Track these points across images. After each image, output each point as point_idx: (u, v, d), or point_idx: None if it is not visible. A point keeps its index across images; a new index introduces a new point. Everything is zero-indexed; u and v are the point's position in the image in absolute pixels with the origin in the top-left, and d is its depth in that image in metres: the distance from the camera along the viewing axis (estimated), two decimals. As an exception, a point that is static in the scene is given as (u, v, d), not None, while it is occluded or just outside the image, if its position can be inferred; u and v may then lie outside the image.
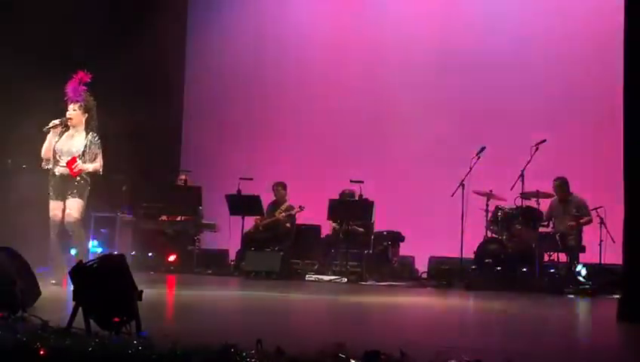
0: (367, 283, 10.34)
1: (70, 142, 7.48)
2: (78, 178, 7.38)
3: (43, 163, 7.53)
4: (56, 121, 7.47)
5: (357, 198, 10.86)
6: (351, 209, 10.93)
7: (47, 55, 10.13)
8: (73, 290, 3.74)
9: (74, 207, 7.36)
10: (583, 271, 9.64)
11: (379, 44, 12.79)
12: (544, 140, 9.96)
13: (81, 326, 3.60)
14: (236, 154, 12.96)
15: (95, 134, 7.52)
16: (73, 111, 7.51)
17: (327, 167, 12.44)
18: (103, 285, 3.69)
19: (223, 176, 12.12)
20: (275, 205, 11.65)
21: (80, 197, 7.40)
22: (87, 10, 11.04)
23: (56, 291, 5.86)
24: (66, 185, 7.40)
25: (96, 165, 7.47)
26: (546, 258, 10.10)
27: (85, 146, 7.44)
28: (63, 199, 7.39)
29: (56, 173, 7.44)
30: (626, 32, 5.80)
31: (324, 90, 12.94)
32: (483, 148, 10.25)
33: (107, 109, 7.81)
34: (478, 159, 10.20)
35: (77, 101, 7.52)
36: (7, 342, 3.23)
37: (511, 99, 11.84)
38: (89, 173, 7.47)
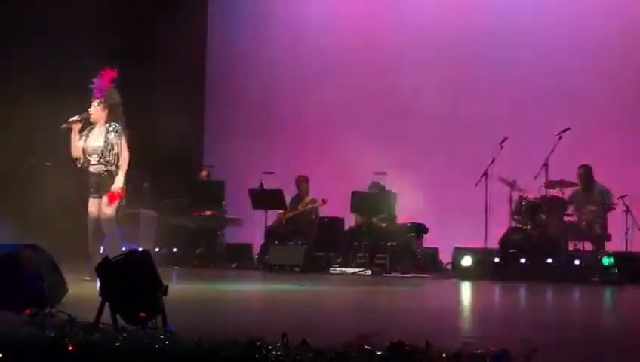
0: (391, 275, 10.32)
1: (94, 140, 7.54)
2: (114, 175, 7.43)
3: (76, 162, 7.61)
4: (75, 118, 7.52)
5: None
6: (374, 201, 10.92)
7: (70, 54, 10.21)
8: (100, 286, 3.77)
9: (108, 204, 7.44)
10: (609, 261, 9.55)
11: (403, 33, 12.71)
12: (568, 129, 9.88)
13: (109, 321, 3.63)
14: (258, 149, 12.96)
15: (115, 124, 7.51)
16: (93, 108, 7.56)
17: (349, 159, 12.40)
18: (129, 281, 3.72)
19: (245, 171, 12.14)
20: (298, 199, 11.66)
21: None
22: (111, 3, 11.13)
23: (85, 287, 5.91)
24: (102, 183, 7.47)
25: (123, 165, 7.48)
26: (571, 247, 10.03)
27: (105, 139, 7.48)
28: (100, 196, 7.47)
29: (91, 171, 7.51)
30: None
31: (346, 81, 12.88)
32: (506, 138, 10.19)
33: (129, 106, 7.84)
34: (501, 149, 10.14)
35: (98, 97, 7.57)
36: (36, 338, 3.26)
37: (534, 87, 11.75)
38: (118, 169, 7.50)
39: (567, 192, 10.24)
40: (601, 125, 11.22)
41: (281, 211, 11.55)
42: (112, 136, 7.48)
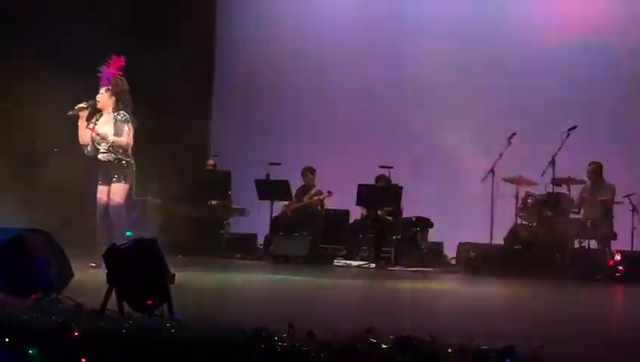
0: (396, 268, 10.32)
1: (101, 127, 7.56)
2: (124, 163, 7.46)
3: (84, 150, 7.63)
4: (82, 104, 7.55)
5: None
6: (380, 194, 10.91)
7: (76, 41, 10.21)
8: (107, 273, 3.78)
9: (117, 191, 7.47)
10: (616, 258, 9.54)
11: (408, 25, 12.66)
12: (575, 126, 9.86)
13: (115, 308, 3.64)
14: (265, 139, 12.95)
15: (124, 113, 7.55)
16: (100, 95, 7.59)
17: (356, 152, 12.40)
18: (136, 268, 3.73)
19: (251, 161, 12.13)
20: (304, 190, 11.66)
21: (125, 181, 7.50)
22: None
23: (91, 274, 5.93)
24: (111, 170, 7.50)
25: (121, 139, 7.49)
26: (577, 244, 10.01)
27: (113, 125, 7.51)
28: (109, 183, 7.49)
29: (101, 159, 7.54)
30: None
31: (354, 73, 12.85)
32: (513, 134, 10.17)
33: (136, 95, 7.85)
34: (509, 145, 10.12)
35: (105, 85, 7.59)
36: (42, 323, 3.27)
37: (542, 84, 11.69)
38: (127, 157, 7.52)
39: (574, 190, 10.21)
40: (609, 123, 11.17)
41: (287, 202, 11.55)
42: (120, 123, 7.50)
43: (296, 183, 11.63)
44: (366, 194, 10.86)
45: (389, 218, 11.05)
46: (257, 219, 11.73)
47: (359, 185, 10.80)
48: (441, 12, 12.48)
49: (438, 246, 11.31)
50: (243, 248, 11.64)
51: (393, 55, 12.67)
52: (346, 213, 11.58)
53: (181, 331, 3.09)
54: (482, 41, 12.12)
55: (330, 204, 11.62)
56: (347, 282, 8.07)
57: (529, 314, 5.69)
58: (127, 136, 7.51)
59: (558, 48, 11.71)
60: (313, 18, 13.35)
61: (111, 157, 7.50)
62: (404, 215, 11.24)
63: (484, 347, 2.88)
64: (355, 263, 10.57)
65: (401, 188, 10.73)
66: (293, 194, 11.52)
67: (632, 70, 10.83)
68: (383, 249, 10.79)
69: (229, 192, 11.93)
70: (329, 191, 11.34)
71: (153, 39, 11.15)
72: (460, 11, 12.34)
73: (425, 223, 11.29)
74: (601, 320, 5.54)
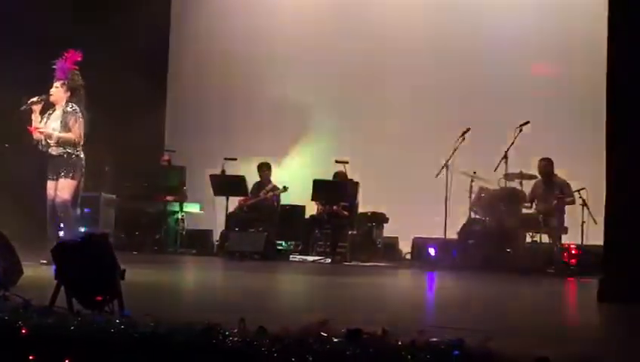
0: (351, 263, 10.37)
1: (53, 121, 7.45)
2: (73, 156, 7.35)
3: (38, 145, 7.51)
4: (35, 98, 7.43)
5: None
6: (335, 190, 10.94)
7: (24, 31, 10.04)
8: (55, 269, 3.73)
9: (64, 187, 7.35)
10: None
11: (368, 25, 12.71)
12: (527, 122, 10.00)
13: (64, 305, 3.59)
14: (220, 135, 12.90)
15: (73, 105, 7.44)
16: (55, 88, 7.48)
17: (312, 148, 12.42)
18: (85, 264, 3.68)
19: (207, 157, 12.08)
20: (260, 185, 11.64)
21: (71, 177, 7.37)
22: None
23: (42, 270, 5.84)
24: (58, 165, 7.38)
25: (68, 135, 7.38)
26: (529, 239, 10.17)
27: (61, 118, 7.40)
28: (56, 179, 7.38)
29: (50, 153, 7.42)
30: (609, 18, 5.82)
31: (307, 70, 12.87)
32: (467, 130, 10.29)
33: (89, 89, 7.75)
34: (462, 140, 10.23)
35: (61, 78, 7.48)
36: (-11, 321, 3.21)
37: (495, 80, 11.84)
38: (77, 151, 7.41)
39: (526, 184, 10.36)
40: (561, 119, 11.37)
41: (243, 198, 11.51)
42: (69, 116, 7.40)
43: (252, 179, 11.60)
44: (321, 190, 10.89)
45: (345, 213, 11.10)
46: (213, 215, 11.68)
47: (314, 181, 10.82)
48: (394, 5, 12.54)
49: (394, 241, 11.40)
50: (198, 244, 11.60)
51: (346, 51, 12.70)
52: (302, 208, 11.59)
53: (131, 327, 3.05)
54: (436, 38, 12.22)
55: (285, 199, 11.62)
56: (302, 277, 8.09)
57: (479, 307, 5.77)
58: (76, 130, 7.39)
59: (511, 45, 11.87)
60: (266, 15, 13.31)
61: (60, 151, 7.38)
62: (360, 210, 11.30)
63: (434, 339, 2.91)
64: (310, 258, 10.60)
65: (357, 183, 10.78)
66: (249, 189, 11.49)
67: (583, 67, 11.01)
68: (339, 244, 10.84)
69: (184, 188, 11.86)
70: (285, 187, 11.34)
71: (106, 35, 10.99)
72: (417, 11, 12.42)
73: (380, 218, 11.37)
74: (549, 312, 5.64)
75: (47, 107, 7.56)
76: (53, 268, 3.86)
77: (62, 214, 7.32)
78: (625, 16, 5.76)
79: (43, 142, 7.48)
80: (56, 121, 7.44)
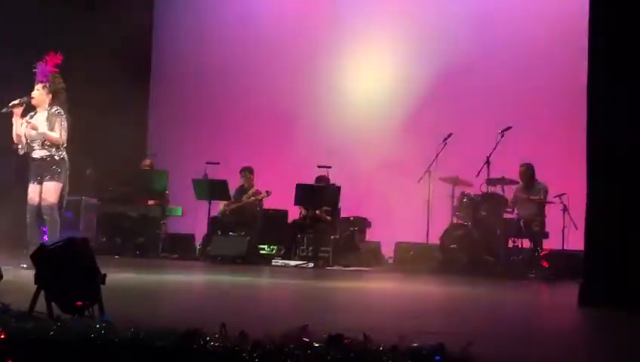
0: (334, 268, 10.37)
1: (36, 123, 7.41)
2: (57, 159, 7.30)
3: (18, 148, 7.46)
4: (16, 101, 7.38)
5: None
6: (318, 194, 10.94)
7: (7, 34, 9.98)
8: (35, 274, 3.70)
9: (50, 190, 7.30)
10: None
11: (349, 30, 12.75)
12: (510, 127, 10.07)
13: (44, 310, 3.56)
14: (203, 139, 12.89)
15: (57, 108, 7.40)
16: (36, 91, 7.45)
17: (294, 152, 12.43)
18: (65, 268, 3.65)
19: (189, 161, 12.05)
20: (243, 190, 11.62)
21: (57, 180, 7.33)
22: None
23: (21, 275, 5.79)
24: (43, 169, 7.33)
25: (54, 135, 7.33)
26: (511, 244, 10.22)
27: (46, 120, 7.35)
28: (40, 183, 7.32)
29: (33, 156, 7.38)
30: (590, 21, 5.87)
31: (291, 74, 12.89)
32: (449, 135, 10.33)
33: (71, 92, 7.72)
34: (444, 146, 10.26)
35: (42, 81, 7.44)
36: (-33, 326, 3.18)
37: (478, 85, 11.91)
38: (61, 153, 7.36)
39: (507, 189, 10.42)
40: (542, 125, 11.44)
41: (225, 202, 11.49)
42: (53, 118, 7.36)
43: (234, 183, 11.58)
44: (304, 194, 10.89)
45: (328, 218, 11.10)
46: (195, 219, 11.64)
47: (297, 185, 10.83)
48: (377, 12, 12.57)
49: (376, 245, 11.42)
50: (180, 248, 11.55)
51: (329, 55, 12.73)
52: (285, 213, 11.59)
53: (111, 333, 3.04)
54: (418, 43, 12.26)
55: (268, 203, 11.61)
56: (284, 282, 8.07)
57: (460, 311, 5.79)
58: (60, 132, 7.36)
59: (493, 51, 11.94)
60: (251, 18, 13.32)
61: (44, 153, 7.34)
62: (342, 215, 11.31)
63: (415, 344, 2.92)
64: (293, 263, 10.59)
65: (339, 188, 10.79)
66: (232, 194, 11.47)
67: (565, 72, 11.08)
68: (322, 249, 10.84)
69: (166, 192, 11.82)
70: (267, 191, 11.32)
71: (87, 39, 10.94)
72: (400, 14, 12.46)
73: (363, 223, 11.40)
74: (529, 317, 5.67)
75: (29, 110, 7.51)
76: (33, 272, 3.83)
77: (47, 217, 7.27)
78: (605, 24, 5.81)
79: (23, 146, 7.42)
80: (42, 123, 7.39)
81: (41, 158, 7.37)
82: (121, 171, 11.96)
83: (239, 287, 7.19)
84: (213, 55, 13.33)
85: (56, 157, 7.37)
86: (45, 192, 7.30)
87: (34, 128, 7.31)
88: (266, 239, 11.29)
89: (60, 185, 7.38)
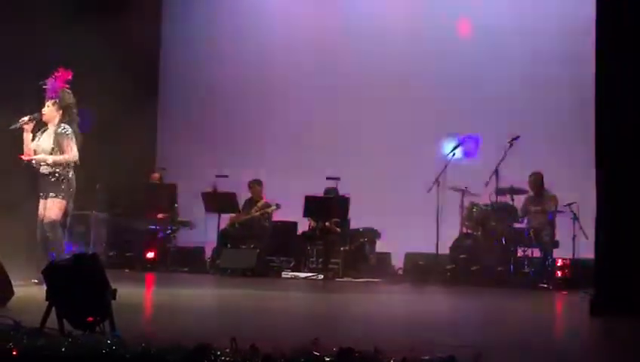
0: (344, 279, 10.35)
1: (45, 141, 7.42)
2: (56, 175, 7.31)
3: (32, 162, 7.48)
4: (26, 118, 7.40)
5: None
6: (327, 206, 10.94)
7: (17, 50, 10.03)
8: (46, 290, 3.71)
9: (50, 206, 7.30)
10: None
11: (357, 41, 12.73)
12: (518, 137, 10.03)
13: (55, 326, 3.57)
14: (212, 152, 12.88)
15: (64, 126, 7.40)
16: (47, 108, 7.46)
17: (303, 164, 12.41)
18: (76, 284, 3.66)
19: (198, 174, 12.06)
20: (251, 202, 11.62)
21: (61, 197, 7.31)
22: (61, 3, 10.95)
23: (32, 291, 5.81)
24: (47, 184, 7.34)
25: (62, 158, 7.35)
26: (520, 253, 10.18)
27: (53, 140, 7.37)
28: (45, 198, 7.34)
29: (40, 171, 7.40)
30: (596, 30, 5.87)
31: (299, 87, 12.89)
32: (458, 145, 10.33)
33: (81, 106, 7.73)
34: (453, 156, 10.25)
35: (52, 97, 7.47)
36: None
37: (486, 95, 11.88)
38: (66, 170, 7.37)
39: (517, 199, 10.38)
40: (551, 134, 11.40)
41: (234, 215, 11.50)
42: (61, 138, 7.36)
43: (243, 196, 11.59)
44: (313, 206, 10.89)
45: (337, 229, 11.09)
46: (205, 232, 11.65)
47: (306, 197, 10.82)
48: (386, 26, 12.58)
49: (386, 256, 11.39)
50: (190, 261, 11.54)
51: (339, 65, 12.73)
52: (294, 224, 11.58)
53: (122, 348, 3.04)
54: (428, 53, 12.26)
55: (277, 216, 11.60)
56: (294, 294, 8.07)
57: (471, 323, 5.77)
58: (68, 151, 7.35)
59: (500, 60, 11.92)
60: (259, 33, 13.33)
61: (48, 170, 7.34)
62: (352, 226, 11.30)
63: (426, 357, 2.91)
64: (303, 275, 10.58)
65: (348, 199, 10.78)
66: (241, 206, 11.48)
67: (572, 82, 11.06)
68: (331, 260, 10.82)
69: (176, 205, 11.84)
70: (277, 204, 11.30)
71: (96, 53, 10.99)
72: (407, 20, 12.45)
73: (372, 234, 11.36)
74: (540, 327, 5.64)
75: (40, 126, 7.54)
76: (44, 288, 3.84)
77: (49, 234, 7.26)
78: (613, 30, 5.81)
79: (34, 161, 7.45)
80: (48, 140, 7.41)
81: (47, 174, 7.36)
82: (131, 185, 11.98)
83: (249, 300, 7.19)
84: (221, 68, 13.34)
85: (61, 175, 7.35)
86: (47, 208, 7.29)
87: (43, 161, 7.31)
88: (276, 251, 11.28)
89: (63, 202, 7.33)
